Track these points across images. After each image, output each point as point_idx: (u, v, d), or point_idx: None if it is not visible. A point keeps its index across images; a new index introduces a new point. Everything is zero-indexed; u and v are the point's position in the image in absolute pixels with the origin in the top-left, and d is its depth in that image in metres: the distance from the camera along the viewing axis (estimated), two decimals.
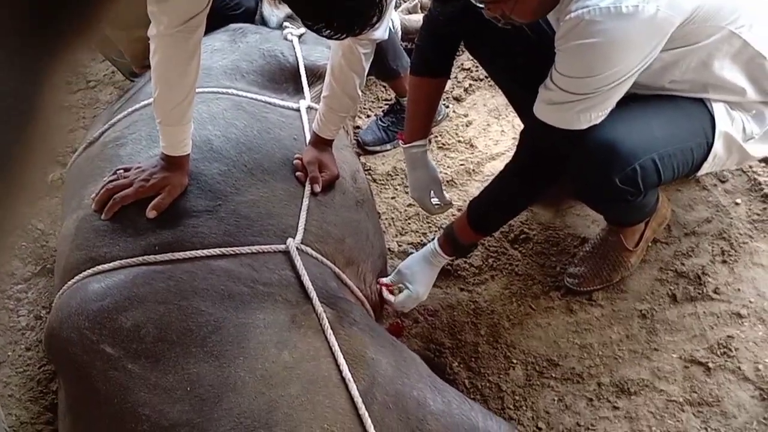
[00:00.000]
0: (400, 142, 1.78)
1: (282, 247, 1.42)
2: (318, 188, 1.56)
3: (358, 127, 2.32)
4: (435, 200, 1.78)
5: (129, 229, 1.40)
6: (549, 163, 1.41)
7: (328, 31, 1.10)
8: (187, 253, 1.35)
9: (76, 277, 1.38)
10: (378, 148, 2.24)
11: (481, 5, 1.26)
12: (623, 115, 1.31)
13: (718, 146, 1.39)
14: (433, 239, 1.95)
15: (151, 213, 1.38)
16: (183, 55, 1.33)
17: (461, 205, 2.03)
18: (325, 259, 1.48)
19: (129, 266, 1.35)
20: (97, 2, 0.30)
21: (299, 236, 1.45)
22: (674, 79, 1.37)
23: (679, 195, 1.83)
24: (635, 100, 1.33)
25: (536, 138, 1.40)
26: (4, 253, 0.36)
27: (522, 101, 1.78)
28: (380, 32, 1.45)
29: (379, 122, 2.26)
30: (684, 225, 1.79)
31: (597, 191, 1.44)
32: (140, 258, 1.35)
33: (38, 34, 0.28)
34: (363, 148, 2.24)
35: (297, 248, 1.42)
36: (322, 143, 1.62)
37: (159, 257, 1.35)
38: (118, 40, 2.47)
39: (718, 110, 1.38)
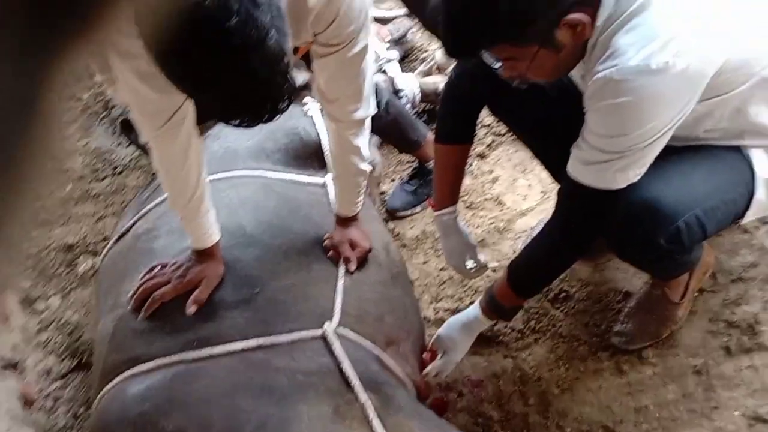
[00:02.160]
0: (430, 208, 1.76)
1: (319, 332, 1.39)
2: (353, 267, 1.53)
3: (383, 193, 2.31)
4: (470, 263, 1.75)
5: (167, 327, 1.39)
6: (589, 223, 1.36)
7: (237, 121, 1.02)
8: (225, 346, 1.33)
9: (116, 380, 1.36)
10: (408, 213, 2.23)
11: (496, 66, 1.25)
12: (661, 171, 1.27)
13: (760, 193, 1.35)
14: (471, 302, 1.92)
15: (191, 308, 1.37)
16: (177, 150, 1.30)
17: (495, 266, 1.99)
18: (365, 341, 1.44)
19: (167, 365, 1.33)
20: (100, 3, 0.29)
21: (336, 319, 1.43)
22: (708, 128, 1.34)
23: (720, 240, 1.77)
24: (670, 153, 1.29)
25: (573, 196, 1.35)
26: (13, 265, 0.34)
27: (550, 158, 1.77)
28: (362, 111, 1.41)
29: (406, 186, 2.25)
30: (729, 271, 1.73)
31: (641, 253, 1.40)
32: (178, 356, 1.33)
33: (38, 35, 0.28)
34: (392, 214, 2.22)
35: (335, 332, 1.40)
36: (347, 221, 1.61)
37: (196, 354, 1.33)
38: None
39: (756, 157, 1.34)
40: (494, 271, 1.97)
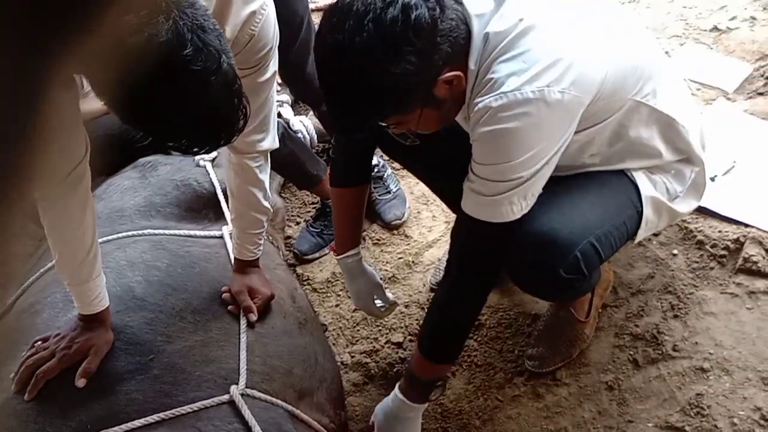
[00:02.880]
0: (332, 253, 1.72)
1: (226, 397, 1.31)
2: (254, 317, 1.46)
3: (289, 237, 2.25)
4: (379, 302, 1.72)
5: (56, 408, 1.27)
6: (490, 258, 1.34)
7: (195, 147, 1.04)
8: (122, 426, 1.23)
9: None
10: (316, 255, 2.18)
11: (386, 127, 1.25)
12: (551, 201, 1.30)
13: (648, 212, 1.40)
14: (386, 342, 1.89)
15: (80, 381, 1.26)
16: (73, 210, 1.23)
17: (407, 301, 1.97)
18: (275, 399, 1.37)
19: None
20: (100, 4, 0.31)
21: (242, 380, 1.35)
22: (593, 153, 1.37)
23: (617, 255, 1.82)
24: (558, 183, 1.32)
25: (471, 233, 1.32)
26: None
27: (444, 194, 1.78)
28: (268, 142, 1.40)
29: (311, 228, 2.21)
30: (629, 285, 1.79)
31: (542, 285, 1.41)
32: None
33: (38, 42, 0.28)
34: (300, 258, 2.17)
35: (242, 394, 1.32)
36: (247, 266, 1.54)
37: None
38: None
39: (640, 178, 1.39)
40: (406, 307, 1.95)
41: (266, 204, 1.48)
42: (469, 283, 1.34)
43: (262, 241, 1.54)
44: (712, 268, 1.74)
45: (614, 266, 1.79)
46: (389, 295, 1.73)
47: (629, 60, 1.26)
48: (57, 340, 1.32)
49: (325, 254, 2.18)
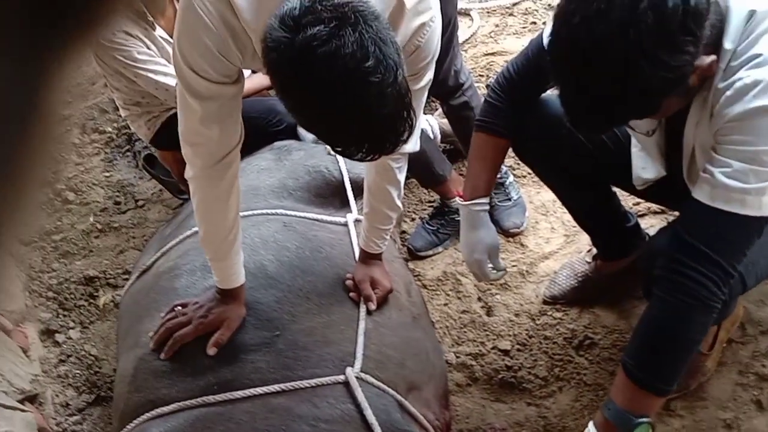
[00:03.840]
0: (459, 199, 1.65)
1: (341, 378, 1.37)
2: (373, 306, 1.52)
3: (404, 232, 2.30)
4: (490, 264, 1.66)
5: (188, 368, 1.38)
6: (733, 263, 1.16)
7: (360, 154, 1.07)
8: (246, 391, 1.32)
9: (135, 421, 1.35)
10: (430, 252, 2.21)
11: None
12: None
13: None
14: (493, 347, 1.89)
15: (211, 350, 1.37)
16: (221, 192, 1.33)
17: (518, 310, 1.97)
18: (387, 387, 1.42)
19: (188, 408, 1.32)
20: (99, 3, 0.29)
21: (358, 364, 1.40)
22: None
23: (749, 291, 1.73)
24: None
25: (708, 227, 1.17)
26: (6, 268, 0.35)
27: (576, 203, 1.75)
28: (411, 145, 1.41)
29: (427, 225, 2.24)
30: (758, 322, 1.69)
31: None
32: (199, 399, 1.32)
33: (37, 34, 0.28)
34: (413, 254, 2.21)
35: (357, 378, 1.38)
36: (371, 258, 1.60)
37: (218, 397, 1.32)
38: (165, 159, 2.54)
39: None
40: (516, 315, 1.94)
41: (399, 203, 1.53)
42: (714, 284, 1.17)
43: (388, 237, 1.59)
44: None
45: (744, 301, 1.70)
46: (502, 262, 1.68)
47: None
48: (195, 308, 1.43)
49: (438, 252, 2.21)
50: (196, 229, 1.70)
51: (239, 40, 1.14)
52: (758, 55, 1.07)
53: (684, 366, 1.26)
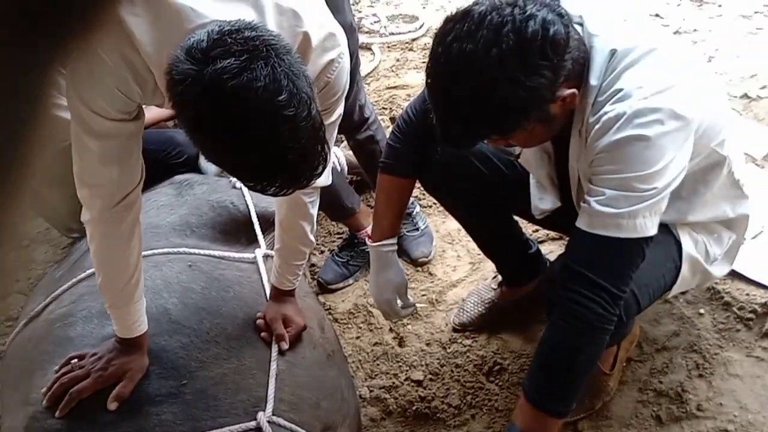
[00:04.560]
0: (368, 240, 1.69)
1: (252, 424, 1.31)
2: (285, 346, 1.47)
3: (313, 265, 2.26)
4: (399, 303, 1.70)
5: (86, 426, 1.27)
6: (618, 286, 1.22)
7: (273, 189, 1.05)
8: None
9: None
10: (341, 285, 2.18)
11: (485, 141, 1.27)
12: None
13: (685, 269, 1.41)
14: (406, 379, 1.88)
15: (112, 405, 1.27)
16: (121, 235, 1.25)
17: (429, 339, 1.98)
18: (301, 430, 1.37)
19: None
20: (97, 6, 0.31)
21: (269, 408, 1.35)
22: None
23: (644, 310, 1.83)
24: None
25: (594, 254, 1.22)
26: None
27: (484, 233, 1.80)
28: (324, 179, 1.41)
29: (337, 258, 2.22)
30: (654, 340, 1.79)
31: None
32: None
33: (31, 43, 0.29)
34: (324, 288, 2.18)
35: (269, 422, 1.32)
36: (283, 295, 1.55)
37: None
38: (52, 197, 2.37)
39: (683, 235, 1.41)
40: (427, 345, 1.95)
41: (312, 238, 1.51)
42: (601, 307, 1.22)
43: (301, 273, 1.56)
44: (738, 330, 1.74)
45: (640, 321, 1.79)
46: (410, 297, 1.72)
47: (717, 99, 1.28)
48: (93, 360, 1.33)
49: (349, 284, 2.19)
50: (91, 271, 1.59)
51: (139, 76, 1.08)
52: (620, 90, 1.16)
53: (579, 387, 1.32)
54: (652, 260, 1.37)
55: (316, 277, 2.21)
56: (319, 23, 1.18)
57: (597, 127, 1.18)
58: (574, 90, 1.17)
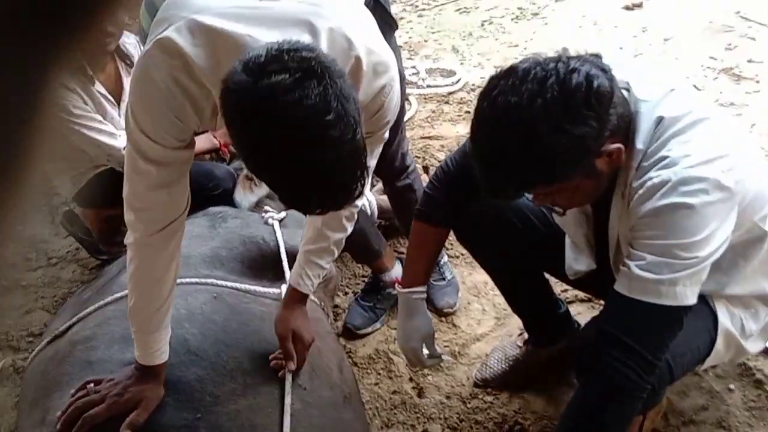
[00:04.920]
0: (398, 286, 1.67)
1: None
2: (292, 366, 1.45)
3: (336, 306, 2.25)
4: (426, 352, 1.67)
5: None
6: (654, 356, 1.20)
7: (308, 206, 1.07)
8: None
9: None
10: (369, 330, 2.16)
11: (529, 197, 1.27)
12: None
13: (720, 342, 1.38)
14: (424, 431, 1.84)
15: None
16: (161, 261, 1.27)
17: (449, 392, 1.94)
18: None
19: None
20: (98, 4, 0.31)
21: None
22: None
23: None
24: None
25: (631, 321, 1.20)
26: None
27: (514, 289, 1.78)
28: (360, 202, 1.43)
29: (363, 302, 2.20)
30: (681, 413, 1.73)
31: None
32: None
33: (36, 35, 0.29)
34: (353, 333, 2.15)
35: None
36: (297, 302, 1.54)
37: None
38: (86, 217, 2.42)
39: (720, 308, 1.38)
40: (447, 398, 1.92)
41: (341, 244, 1.51)
42: (635, 373, 1.19)
43: (321, 277, 1.55)
44: None
45: (668, 392, 1.74)
46: (438, 348, 1.69)
47: (763, 174, 1.27)
48: (110, 386, 1.32)
49: (377, 329, 2.16)
50: (119, 295, 1.61)
51: (196, 104, 1.12)
52: (666, 157, 1.16)
53: None
54: (688, 331, 1.34)
55: (344, 323, 2.18)
56: (371, 49, 1.20)
57: (641, 192, 1.17)
58: (620, 145, 1.17)
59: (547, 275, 1.79)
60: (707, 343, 1.37)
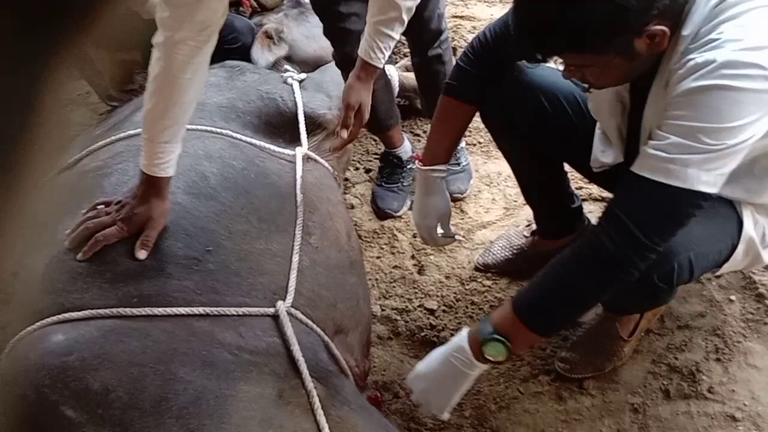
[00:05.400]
0: (417, 162, 1.64)
1: (271, 311, 1.30)
2: (345, 135, 1.58)
3: (347, 179, 2.23)
4: (440, 230, 1.66)
5: (107, 274, 1.26)
6: (658, 227, 1.14)
7: None
8: (168, 309, 1.22)
9: (38, 323, 1.23)
10: (405, 209, 2.15)
11: (560, 67, 1.21)
12: None
13: (740, 249, 1.35)
14: (420, 305, 1.87)
15: (140, 253, 1.26)
16: (187, 68, 1.25)
17: (449, 273, 1.95)
18: (316, 327, 1.36)
19: (101, 317, 1.20)
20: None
21: (290, 299, 1.34)
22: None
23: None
24: None
25: (639, 197, 1.15)
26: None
27: (532, 179, 1.75)
28: None
29: (389, 185, 2.17)
30: (678, 317, 1.75)
31: (631, 285, 1.30)
32: (115, 310, 1.21)
33: (40, 32, 0.29)
34: (392, 216, 2.14)
35: (287, 312, 1.31)
36: (367, 75, 1.57)
37: (136, 311, 1.21)
38: (100, 60, 2.35)
39: (747, 214, 1.34)
40: (447, 278, 1.93)
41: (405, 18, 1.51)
42: (623, 251, 1.14)
43: (389, 50, 1.56)
44: (766, 323, 1.70)
45: None
46: (452, 228, 1.68)
47: None
48: (118, 208, 1.31)
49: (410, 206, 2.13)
50: (132, 132, 1.57)
51: None
52: (715, 39, 1.08)
53: (568, 316, 1.31)
54: (714, 232, 1.32)
55: (382, 208, 2.15)
56: None
57: (680, 72, 1.10)
58: (664, 28, 1.09)
59: (567, 167, 1.75)
60: (729, 247, 1.34)
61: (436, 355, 1.33)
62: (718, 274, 1.42)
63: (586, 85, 1.25)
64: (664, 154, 1.10)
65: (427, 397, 1.34)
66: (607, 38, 1.09)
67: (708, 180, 1.10)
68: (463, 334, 1.29)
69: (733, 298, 1.76)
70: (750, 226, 1.34)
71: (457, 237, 1.74)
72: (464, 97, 1.54)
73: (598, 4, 1.05)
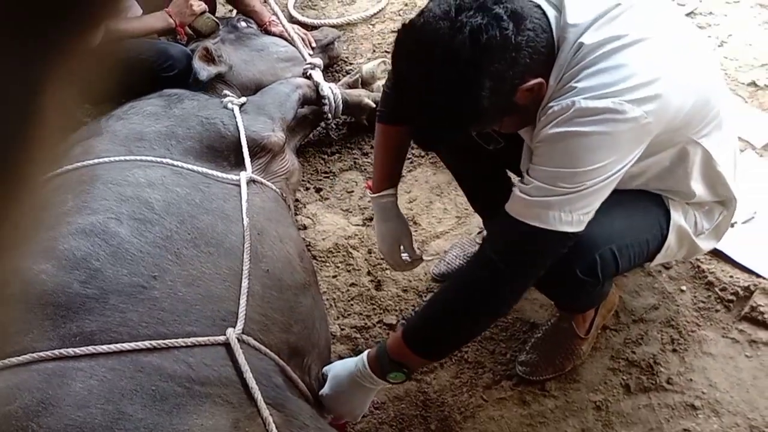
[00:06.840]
0: (368, 191, 1.66)
1: (221, 338, 1.27)
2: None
3: (297, 201, 2.21)
4: (405, 255, 1.67)
5: (48, 309, 1.21)
6: (526, 264, 1.26)
7: None
8: (112, 346, 1.18)
9: None
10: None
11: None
12: None
13: (672, 239, 1.39)
14: (379, 321, 1.86)
15: None
16: None
17: (406, 286, 1.94)
18: (269, 351, 1.34)
19: (43, 360, 1.16)
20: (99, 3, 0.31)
21: (240, 325, 1.31)
22: (638, 184, 1.36)
23: (625, 281, 1.81)
24: None
25: (510, 237, 1.26)
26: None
27: (474, 187, 1.76)
28: None
29: None
30: (632, 311, 1.77)
31: (557, 281, 1.38)
32: (57, 351, 1.17)
33: (39, 35, 0.29)
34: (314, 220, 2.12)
35: (237, 339, 1.28)
36: None
37: (79, 350, 1.17)
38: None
39: (674, 204, 1.38)
40: (404, 291, 1.92)
41: None
42: (497, 280, 1.25)
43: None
44: (717, 311, 1.73)
45: (620, 291, 1.78)
46: (416, 248, 1.69)
47: (706, 94, 1.23)
48: None
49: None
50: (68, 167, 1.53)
51: None
52: (573, 87, 1.13)
53: (451, 346, 1.46)
54: (636, 224, 1.35)
55: (302, 216, 2.14)
56: None
57: (542, 118, 1.18)
58: (539, 80, 1.14)
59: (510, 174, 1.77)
60: (658, 238, 1.38)
61: (342, 378, 1.42)
62: (654, 265, 1.44)
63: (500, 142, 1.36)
64: (527, 198, 1.19)
65: (342, 411, 1.47)
66: (482, 119, 1.17)
67: (569, 220, 1.18)
68: (363, 358, 1.39)
69: (684, 288, 1.79)
70: (679, 217, 1.37)
71: (424, 258, 1.74)
72: (393, 121, 1.56)
73: (457, 106, 1.12)
